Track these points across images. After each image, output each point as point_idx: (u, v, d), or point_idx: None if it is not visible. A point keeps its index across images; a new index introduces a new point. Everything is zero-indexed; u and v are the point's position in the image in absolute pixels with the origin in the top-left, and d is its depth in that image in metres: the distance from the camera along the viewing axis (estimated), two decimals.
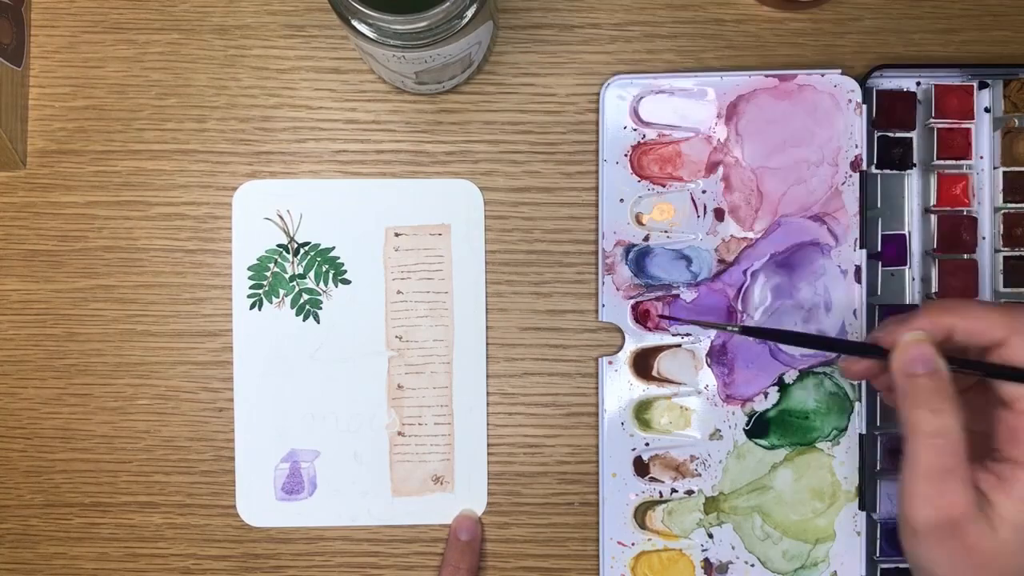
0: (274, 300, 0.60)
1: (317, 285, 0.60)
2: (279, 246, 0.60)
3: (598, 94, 0.60)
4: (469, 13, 0.50)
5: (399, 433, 0.60)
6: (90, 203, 0.61)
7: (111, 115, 0.61)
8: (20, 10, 0.60)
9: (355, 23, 0.50)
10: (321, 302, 0.60)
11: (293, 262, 0.59)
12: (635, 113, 0.60)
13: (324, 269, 0.59)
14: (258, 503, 0.60)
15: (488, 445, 0.60)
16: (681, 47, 0.61)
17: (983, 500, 0.47)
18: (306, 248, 0.60)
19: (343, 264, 0.60)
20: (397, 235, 0.59)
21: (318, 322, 0.60)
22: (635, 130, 0.60)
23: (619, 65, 0.60)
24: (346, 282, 0.60)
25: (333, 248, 0.60)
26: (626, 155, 0.60)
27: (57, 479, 0.61)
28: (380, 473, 0.60)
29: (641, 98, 0.60)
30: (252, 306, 0.60)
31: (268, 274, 0.59)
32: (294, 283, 0.60)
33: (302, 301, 0.60)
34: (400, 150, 0.61)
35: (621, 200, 0.60)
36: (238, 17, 0.61)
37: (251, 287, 0.60)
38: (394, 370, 0.60)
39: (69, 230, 0.61)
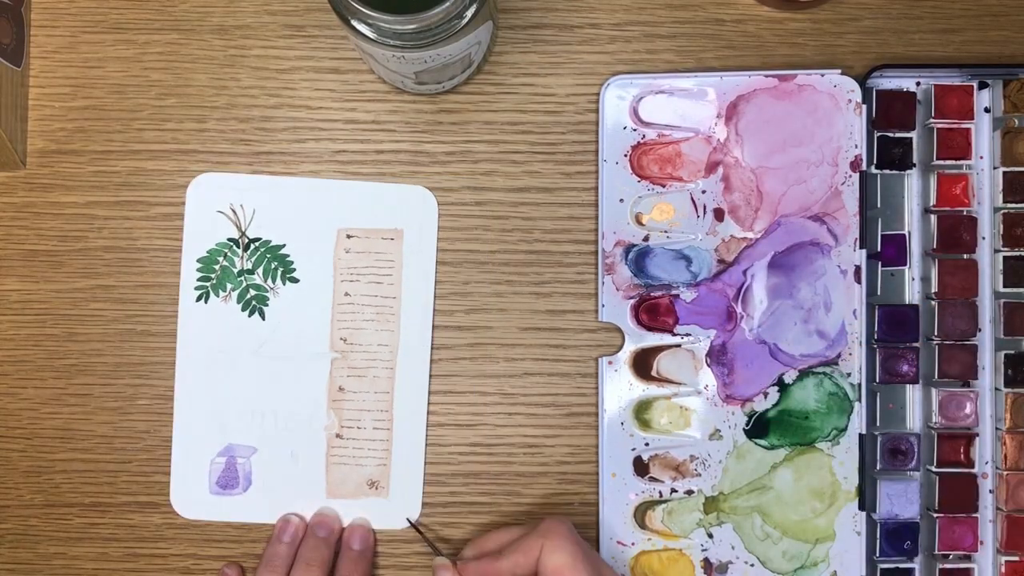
0: (221, 294, 0.59)
1: (265, 281, 0.59)
2: (230, 240, 0.60)
3: (598, 94, 0.60)
4: (469, 13, 0.50)
5: (337, 435, 0.60)
6: (90, 203, 0.61)
7: (111, 115, 0.61)
8: (20, 10, 0.60)
9: (355, 23, 0.50)
10: (268, 299, 0.60)
11: (243, 257, 0.59)
12: (635, 113, 0.60)
13: (273, 266, 0.59)
14: (192, 495, 0.60)
15: (486, 446, 0.60)
16: (681, 47, 0.61)
17: None
18: (256, 244, 0.59)
19: (292, 262, 0.60)
20: (349, 237, 0.59)
21: (263, 319, 0.60)
22: (635, 130, 0.60)
23: (619, 65, 0.60)
24: (294, 280, 0.60)
25: (284, 246, 0.60)
26: (626, 155, 0.60)
27: (57, 479, 0.61)
28: (316, 474, 0.60)
29: (641, 98, 0.60)
30: (199, 298, 0.60)
31: (217, 267, 0.59)
32: (242, 278, 0.59)
33: (248, 296, 0.59)
34: (400, 150, 0.61)
35: (621, 200, 0.60)
36: (238, 17, 0.61)
37: (199, 279, 0.60)
38: (336, 372, 0.60)
39: (69, 230, 0.61)
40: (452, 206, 0.60)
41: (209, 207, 0.60)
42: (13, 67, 0.59)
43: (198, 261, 0.60)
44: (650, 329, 0.60)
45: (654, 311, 0.60)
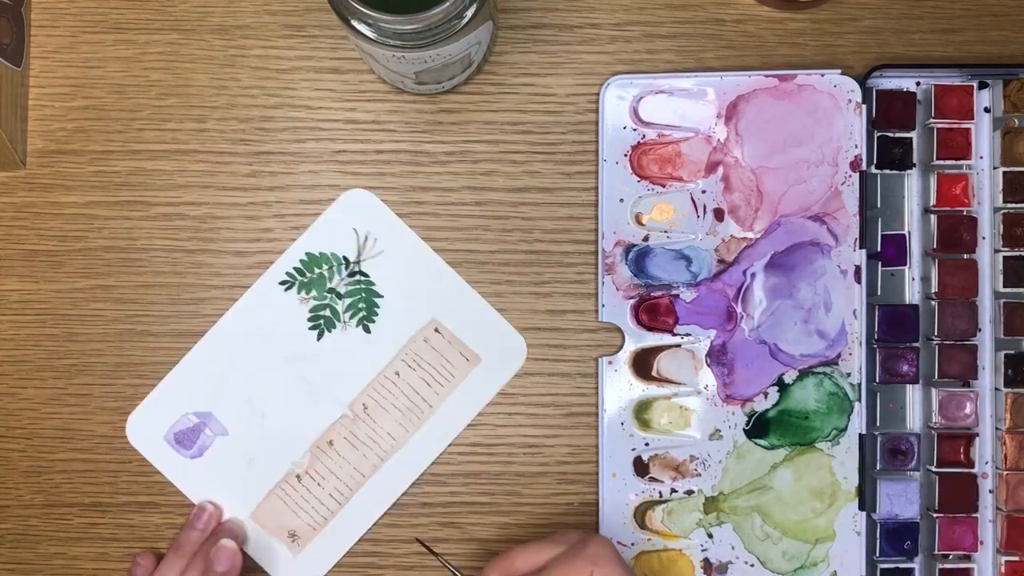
0: (302, 294, 0.59)
1: (344, 313, 0.59)
2: (344, 257, 0.60)
3: (598, 94, 0.60)
4: (469, 13, 0.50)
5: (298, 476, 0.60)
6: (90, 203, 0.61)
7: (111, 115, 0.61)
8: (20, 10, 0.60)
9: (355, 23, 0.50)
10: (335, 327, 0.60)
11: (343, 279, 0.59)
12: (635, 113, 0.60)
13: (360, 306, 0.59)
14: (147, 429, 0.60)
15: (486, 446, 0.60)
16: (681, 47, 0.61)
17: None
18: (361, 278, 0.59)
19: (377, 314, 0.59)
20: (436, 330, 0.59)
21: (318, 339, 0.60)
22: (635, 130, 0.60)
23: (619, 65, 0.60)
24: (367, 330, 0.60)
25: (381, 297, 0.60)
26: (626, 155, 0.60)
27: (57, 479, 0.61)
28: (256, 491, 0.60)
29: (641, 98, 0.60)
30: (282, 283, 0.60)
31: (316, 271, 0.59)
32: (329, 296, 0.59)
33: (322, 313, 0.59)
34: (400, 150, 0.61)
35: (621, 200, 0.60)
36: (238, 17, 0.61)
37: (295, 268, 0.60)
38: (338, 427, 0.60)
39: (69, 230, 0.61)
40: (452, 206, 0.60)
41: (349, 219, 0.60)
42: (13, 67, 0.59)
43: (306, 254, 0.60)
44: (650, 329, 0.60)
45: (654, 311, 0.60)
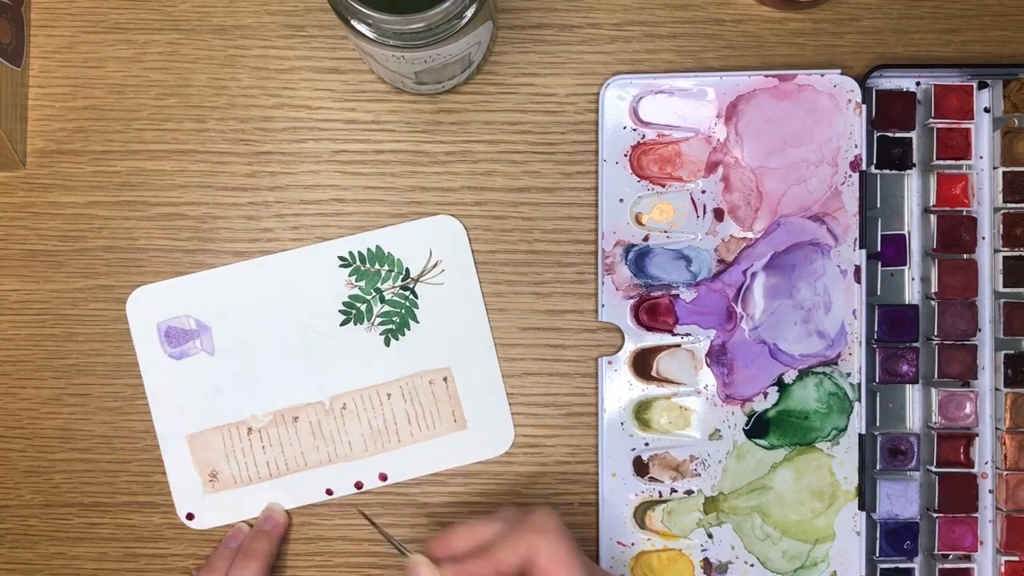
0: (352, 278, 0.59)
1: (375, 317, 0.59)
2: (408, 270, 0.59)
3: (598, 94, 0.60)
4: (469, 13, 0.50)
5: (249, 429, 0.60)
6: (90, 203, 0.61)
7: (111, 115, 0.61)
8: (20, 10, 0.60)
9: (355, 23, 0.50)
10: (360, 323, 0.60)
11: (395, 286, 0.59)
12: (635, 113, 0.60)
13: (394, 320, 0.59)
14: (147, 310, 0.60)
15: None
16: (681, 47, 0.61)
17: None
18: (411, 292, 0.59)
19: (403, 335, 0.59)
20: (444, 379, 0.59)
21: (340, 326, 0.60)
22: (635, 130, 0.60)
23: (619, 65, 0.60)
24: (386, 343, 0.60)
25: (417, 323, 0.60)
26: (626, 155, 0.60)
27: (57, 479, 0.61)
28: (206, 419, 0.60)
29: (641, 98, 0.60)
30: (341, 259, 0.59)
31: (376, 267, 0.59)
32: (372, 294, 0.59)
33: (357, 305, 0.59)
34: (400, 150, 0.61)
35: (621, 200, 0.60)
36: (238, 17, 0.61)
37: (359, 252, 0.60)
38: (309, 410, 0.60)
39: (69, 230, 0.61)
40: (452, 206, 0.60)
41: (428, 237, 0.60)
42: (13, 67, 0.59)
43: (376, 247, 0.60)
44: (650, 329, 0.60)
45: (654, 311, 0.60)
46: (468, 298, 0.60)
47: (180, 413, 0.60)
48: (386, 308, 0.60)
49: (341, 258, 0.60)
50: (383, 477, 0.60)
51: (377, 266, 0.59)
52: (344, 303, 0.60)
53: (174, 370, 0.60)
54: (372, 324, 0.60)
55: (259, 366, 0.60)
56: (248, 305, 0.60)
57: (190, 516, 0.60)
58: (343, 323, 0.60)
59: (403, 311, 0.60)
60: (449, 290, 0.60)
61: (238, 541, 0.59)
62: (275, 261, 0.60)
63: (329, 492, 0.60)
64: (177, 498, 0.60)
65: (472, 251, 0.60)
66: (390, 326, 0.60)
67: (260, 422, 0.60)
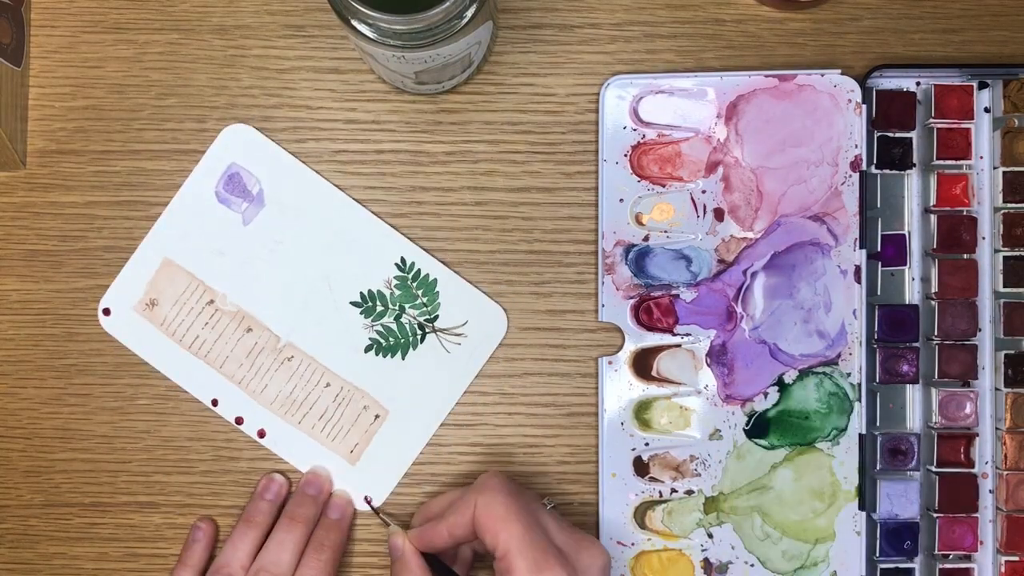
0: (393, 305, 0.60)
1: (393, 320, 0.60)
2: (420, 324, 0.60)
3: (598, 94, 0.60)
4: (469, 13, 0.50)
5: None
6: (90, 203, 0.61)
7: (111, 115, 0.61)
8: (20, 10, 0.60)
9: (355, 23, 0.50)
10: (378, 314, 0.60)
11: (418, 294, 0.60)
12: (635, 113, 0.60)
13: (401, 341, 0.59)
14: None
15: (486, 446, 0.60)
16: (681, 47, 0.61)
17: None
18: (421, 282, 0.60)
19: (416, 342, 0.60)
20: (376, 416, 0.60)
21: (366, 318, 0.60)
22: (635, 130, 0.60)
23: (619, 65, 0.60)
24: (376, 353, 0.60)
25: (437, 317, 0.60)
26: (626, 155, 0.60)
27: (57, 479, 0.61)
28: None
29: (641, 98, 0.60)
30: (398, 266, 0.59)
31: (402, 289, 0.60)
32: (397, 299, 0.60)
33: (384, 303, 0.59)
34: (400, 150, 0.61)
35: (621, 200, 0.60)
36: (238, 17, 0.61)
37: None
38: (264, 334, 0.60)
39: (69, 230, 0.61)
40: (452, 206, 0.60)
41: (472, 315, 0.60)
42: (13, 67, 0.59)
43: (424, 272, 0.60)
44: (650, 329, 0.60)
45: (654, 311, 0.60)
46: (455, 376, 0.60)
47: (178, 238, 0.60)
48: (394, 326, 0.60)
49: (398, 263, 0.60)
50: (262, 434, 0.60)
51: (419, 291, 0.60)
52: (370, 292, 0.60)
53: (208, 205, 0.60)
54: (371, 325, 0.60)
55: (263, 270, 0.60)
56: (304, 228, 0.60)
57: (107, 312, 0.60)
58: (353, 303, 0.60)
59: (402, 341, 0.60)
60: (449, 359, 0.60)
61: (274, 493, 0.59)
62: (356, 213, 0.60)
63: (215, 403, 0.60)
64: (112, 288, 0.60)
65: (498, 344, 0.60)
66: (382, 341, 0.60)
67: (224, 305, 0.60)
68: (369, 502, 0.60)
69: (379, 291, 0.60)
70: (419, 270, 0.60)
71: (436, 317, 0.60)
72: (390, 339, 0.60)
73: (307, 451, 0.60)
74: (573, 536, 0.53)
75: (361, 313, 0.60)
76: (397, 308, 0.60)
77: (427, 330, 0.60)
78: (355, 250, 0.60)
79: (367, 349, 0.60)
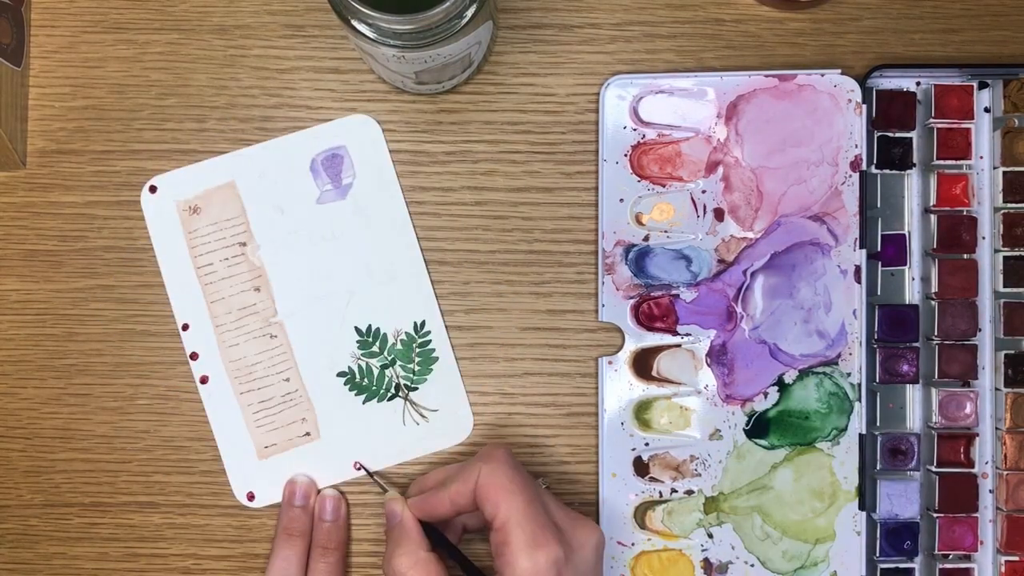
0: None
1: (388, 376, 0.60)
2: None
3: (598, 94, 0.60)
4: (469, 13, 0.50)
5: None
6: (90, 203, 0.61)
7: (111, 115, 0.61)
8: (20, 10, 0.60)
9: (355, 23, 0.50)
10: (380, 349, 0.60)
11: (401, 369, 0.60)
12: (635, 113, 0.60)
13: (400, 387, 0.60)
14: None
15: (475, 445, 0.60)
16: (681, 47, 0.61)
17: None
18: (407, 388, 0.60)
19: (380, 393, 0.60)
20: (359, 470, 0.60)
21: (361, 341, 0.60)
22: (635, 130, 0.60)
23: (619, 65, 0.60)
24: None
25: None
26: (626, 155, 0.60)
27: (57, 479, 0.61)
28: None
29: (641, 98, 0.60)
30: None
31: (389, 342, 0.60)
32: (389, 359, 0.60)
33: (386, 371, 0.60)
34: (400, 150, 0.61)
35: (621, 200, 0.60)
36: (238, 17, 0.61)
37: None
38: (265, 301, 0.60)
39: (69, 230, 0.61)
40: (452, 206, 0.60)
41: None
42: (13, 67, 0.59)
43: (422, 325, 0.60)
44: (650, 329, 0.60)
45: (654, 311, 0.60)
46: (395, 447, 0.60)
47: (257, 173, 0.60)
48: (375, 371, 0.60)
49: (416, 323, 0.60)
50: (204, 380, 0.60)
51: (417, 358, 0.60)
52: (376, 331, 0.60)
53: (299, 165, 0.60)
54: (358, 357, 0.60)
55: (304, 248, 0.60)
56: (363, 239, 0.60)
57: (153, 189, 0.60)
58: (357, 328, 0.60)
59: (373, 388, 0.60)
60: (400, 430, 0.60)
61: (301, 496, 0.59)
62: (412, 256, 0.60)
63: (185, 327, 0.60)
64: (171, 174, 0.60)
65: (451, 445, 0.60)
66: (356, 377, 0.60)
67: (252, 254, 0.60)
68: (362, 467, 0.60)
69: (385, 334, 0.60)
70: (429, 341, 0.60)
71: (415, 388, 0.60)
72: (364, 379, 0.60)
73: (229, 420, 0.60)
74: (569, 514, 0.54)
75: (357, 342, 0.60)
76: (389, 359, 0.60)
77: (400, 393, 0.60)
78: (390, 288, 0.60)
79: (340, 374, 0.60)
